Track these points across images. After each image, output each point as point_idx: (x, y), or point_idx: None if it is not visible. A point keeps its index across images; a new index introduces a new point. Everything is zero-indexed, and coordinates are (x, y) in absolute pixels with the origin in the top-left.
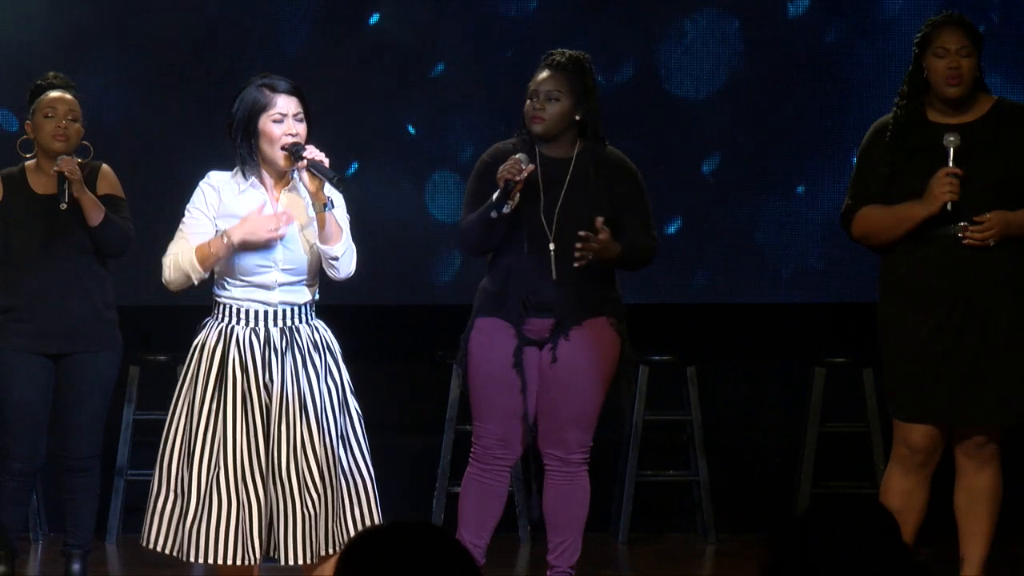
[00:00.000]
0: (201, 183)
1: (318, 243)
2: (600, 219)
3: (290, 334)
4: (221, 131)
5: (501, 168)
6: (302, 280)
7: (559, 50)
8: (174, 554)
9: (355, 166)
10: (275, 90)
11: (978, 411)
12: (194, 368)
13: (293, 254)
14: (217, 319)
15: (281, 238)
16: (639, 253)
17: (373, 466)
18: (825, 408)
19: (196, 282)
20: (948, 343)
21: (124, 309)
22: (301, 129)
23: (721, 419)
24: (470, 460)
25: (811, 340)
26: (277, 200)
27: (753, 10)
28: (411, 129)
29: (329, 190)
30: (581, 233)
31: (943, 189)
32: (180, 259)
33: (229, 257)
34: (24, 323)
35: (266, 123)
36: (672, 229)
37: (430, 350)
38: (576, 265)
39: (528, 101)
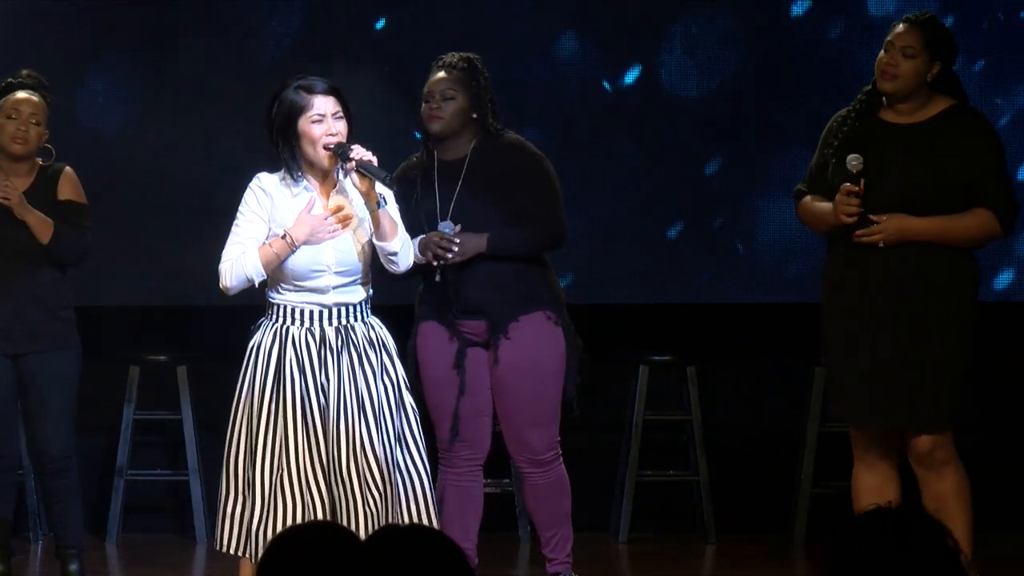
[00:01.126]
0: (251, 185)
1: (375, 240)
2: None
3: (345, 333)
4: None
5: (425, 245)
6: (355, 280)
7: (449, 53)
8: (245, 555)
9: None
10: (312, 91)
11: (886, 416)
12: (251, 370)
13: (345, 256)
14: (272, 320)
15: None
16: (520, 238)
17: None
18: (825, 408)
19: (257, 284)
20: (853, 342)
21: (122, 309)
22: (342, 127)
23: (721, 419)
24: (440, 467)
25: (811, 340)
26: (327, 201)
27: (753, 10)
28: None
29: (380, 187)
30: (435, 237)
31: (842, 210)
32: (241, 264)
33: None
34: None
35: (305, 124)
36: (673, 231)
37: None
38: (435, 265)
39: (424, 104)
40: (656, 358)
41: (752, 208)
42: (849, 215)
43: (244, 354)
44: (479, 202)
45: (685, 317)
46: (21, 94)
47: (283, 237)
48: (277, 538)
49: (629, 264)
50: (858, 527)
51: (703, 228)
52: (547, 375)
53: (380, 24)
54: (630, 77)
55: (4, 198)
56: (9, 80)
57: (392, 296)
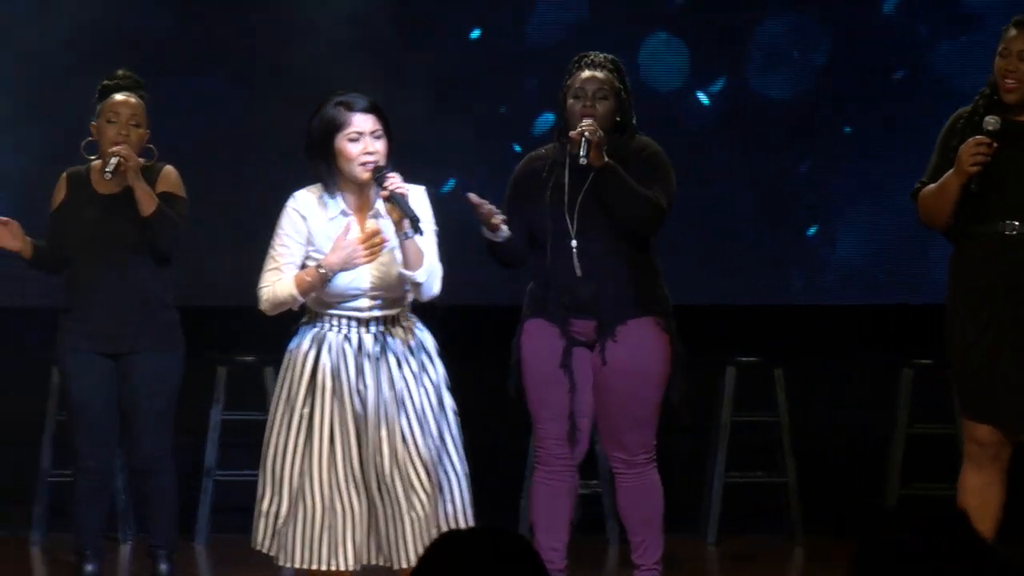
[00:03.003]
0: (288, 206)
1: (400, 268)
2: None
3: (383, 338)
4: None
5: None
6: (394, 297)
7: (592, 52)
8: (271, 553)
9: (452, 183)
10: (351, 108)
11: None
12: (287, 373)
13: (382, 280)
14: (312, 324)
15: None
16: (632, 191)
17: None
18: (913, 409)
19: (295, 308)
20: (994, 343)
21: (209, 310)
22: (380, 147)
23: (809, 420)
24: (535, 465)
25: (899, 341)
26: (364, 223)
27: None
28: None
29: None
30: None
31: (969, 158)
32: (277, 290)
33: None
34: (83, 323)
35: (342, 142)
36: (762, 233)
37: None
38: (576, 133)
39: (572, 100)
40: (744, 359)
41: (841, 210)
42: (975, 164)
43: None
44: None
45: (773, 318)
46: (119, 96)
47: (318, 268)
48: (434, 543)
49: (716, 265)
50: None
51: (792, 229)
52: (650, 379)
53: (475, 34)
54: (719, 84)
55: (126, 156)
56: (106, 82)
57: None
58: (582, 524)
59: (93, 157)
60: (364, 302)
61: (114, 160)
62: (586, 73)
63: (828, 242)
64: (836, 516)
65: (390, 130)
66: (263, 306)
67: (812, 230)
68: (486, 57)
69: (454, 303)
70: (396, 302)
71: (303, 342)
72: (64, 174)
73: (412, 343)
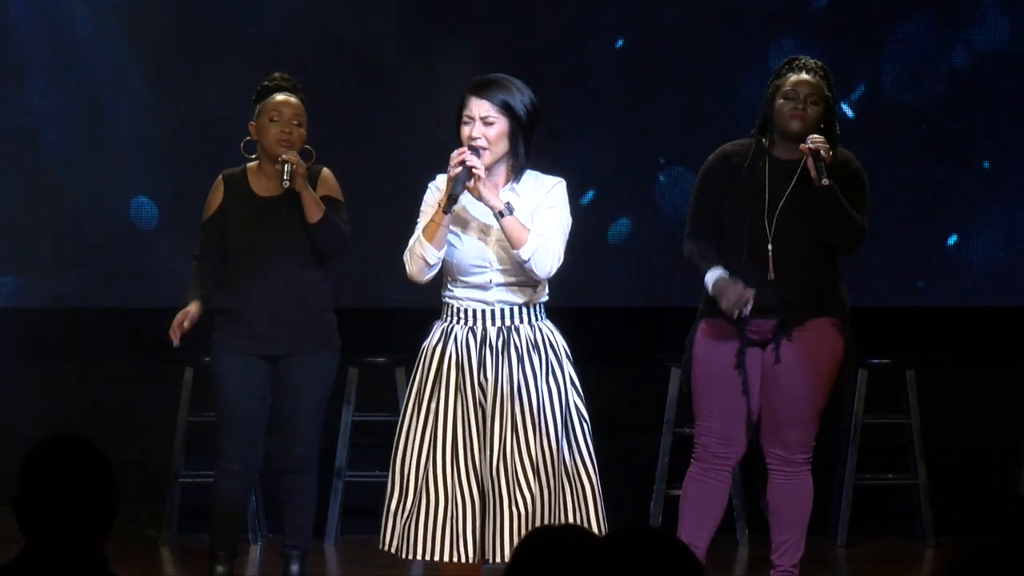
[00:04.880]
0: (430, 183)
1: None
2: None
3: (507, 333)
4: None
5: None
6: (520, 279)
7: (803, 56)
8: (396, 552)
9: (591, 194)
10: (469, 90)
11: None
12: (417, 369)
13: (507, 254)
14: (443, 319)
15: (472, 169)
16: (849, 215)
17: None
18: None
19: (432, 260)
20: None
21: (342, 311)
22: (488, 132)
23: (940, 423)
24: (692, 460)
25: None
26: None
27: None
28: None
29: (506, 196)
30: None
31: None
32: (412, 246)
33: (448, 221)
34: (240, 325)
35: (461, 124)
36: (893, 235)
37: (649, 352)
38: (807, 148)
39: (782, 100)
40: (875, 361)
41: (974, 212)
42: None
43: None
44: (813, 204)
45: (905, 320)
46: (280, 96)
47: (437, 203)
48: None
49: (848, 267)
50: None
51: (924, 232)
52: (820, 380)
53: (619, 43)
54: (857, 91)
55: (296, 163)
56: (265, 83)
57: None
58: None
59: (252, 156)
60: (488, 276)
61: (287, 167)
62: (798, 76)
63: (961, 244)
64: (968, 519)
65: (515, 114)
66: (407, 269)
67: (942, 231)
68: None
69: (582, 306)
70: (520, 288)
71: (433, 337)
72: (220, 177)
73: (538, 340)
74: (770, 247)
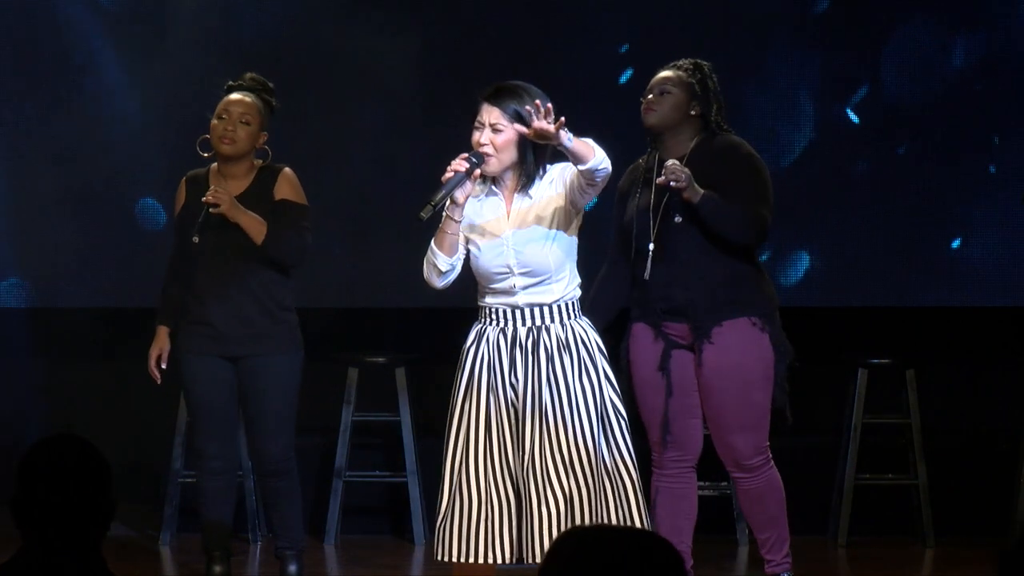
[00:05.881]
0: None
1: (578, 167)
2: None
3: (537, 334)
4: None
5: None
6: (544, 279)
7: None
8: (434, 551)
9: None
10: (480, 96)
11: None
12: (458, 373)
13: (527, 257)
14: (479, 321)
15: (473, 164)
16: (729, 211)
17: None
18: None
19: (444, 268)
20: None
21: (342, 311)
22: (496, 139)
23: (940, 422)
24: (652, 469)
25: None
26: (510, 204)
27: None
28: None
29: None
30: (668, 162)
31: None
32: (428, 253)
33: (455, 229)
34: (202, 325)
35: (472, 129)
36: (892, 236)
37: None
38: (659, 182)
39: (642, 101)
40: (875, 361)
41: (972, 211)
42: None
43: (461, 356)
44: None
45: (904, 320)
46: (235, 95)
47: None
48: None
49: (849, 268)
50: None
51: (922, 232)
52: (752, 382)
53: (624, 47)
54: (859, 94)
55: (215, 202)
56: (230, 83)
57: None
58: (711, 525)
59: (207, 154)
60: (512, 282)
61: (203, 212)
62: (658, 74)
63: (959, 244)
64: (968, 519)
65: (525, 122)
66: (424, 275)
67: (940, 230)
68: None
69: None
70: (548, 286)
71: (468, 339)
72: (184, 178)
73: (569, 339)
74: (651, 246)
